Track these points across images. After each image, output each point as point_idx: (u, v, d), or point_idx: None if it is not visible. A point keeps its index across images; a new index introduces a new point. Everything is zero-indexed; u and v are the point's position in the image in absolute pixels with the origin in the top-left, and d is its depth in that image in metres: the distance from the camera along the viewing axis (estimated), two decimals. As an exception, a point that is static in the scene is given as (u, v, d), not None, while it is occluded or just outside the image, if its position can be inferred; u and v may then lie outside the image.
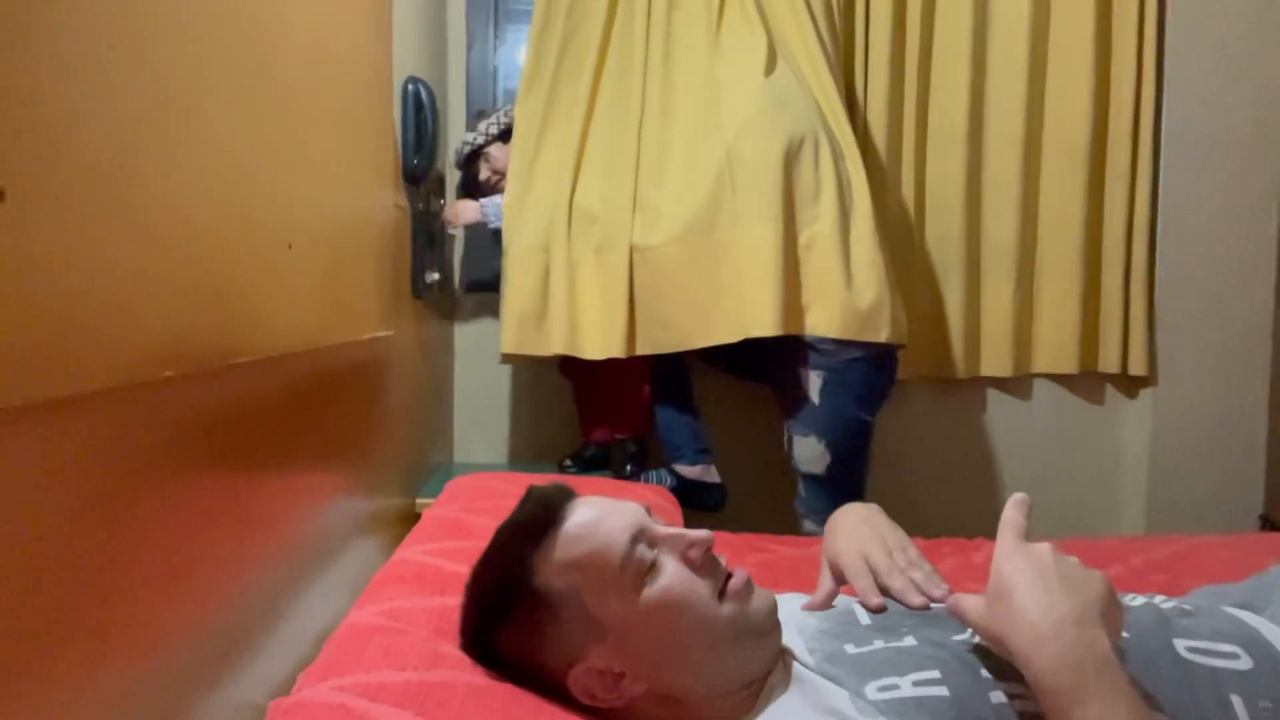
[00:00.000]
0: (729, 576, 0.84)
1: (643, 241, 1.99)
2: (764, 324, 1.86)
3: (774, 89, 1.97)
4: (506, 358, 2.16)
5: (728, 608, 0.82)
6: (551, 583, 0.81)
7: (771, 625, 0.85)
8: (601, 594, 0.80)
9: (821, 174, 1.92)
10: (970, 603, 0.77)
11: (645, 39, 2.08)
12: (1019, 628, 0.71)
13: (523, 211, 2.09)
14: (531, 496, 0.88)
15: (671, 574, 0.81)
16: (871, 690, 0.79)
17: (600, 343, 2.03)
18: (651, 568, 0.81)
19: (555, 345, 2.05)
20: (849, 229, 1.93)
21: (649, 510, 0.88)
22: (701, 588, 0.82)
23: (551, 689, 0.82)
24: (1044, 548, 0.76)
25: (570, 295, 2.04)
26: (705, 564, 0.84)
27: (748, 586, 0.84)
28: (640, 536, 0.82)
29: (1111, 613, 0.72)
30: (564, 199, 2.06)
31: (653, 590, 0.80)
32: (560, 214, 2.06)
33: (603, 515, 0.84)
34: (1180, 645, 0.83)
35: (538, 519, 0.84)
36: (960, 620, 0.79)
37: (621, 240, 2.00)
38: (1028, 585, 0.72)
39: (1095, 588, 0.73)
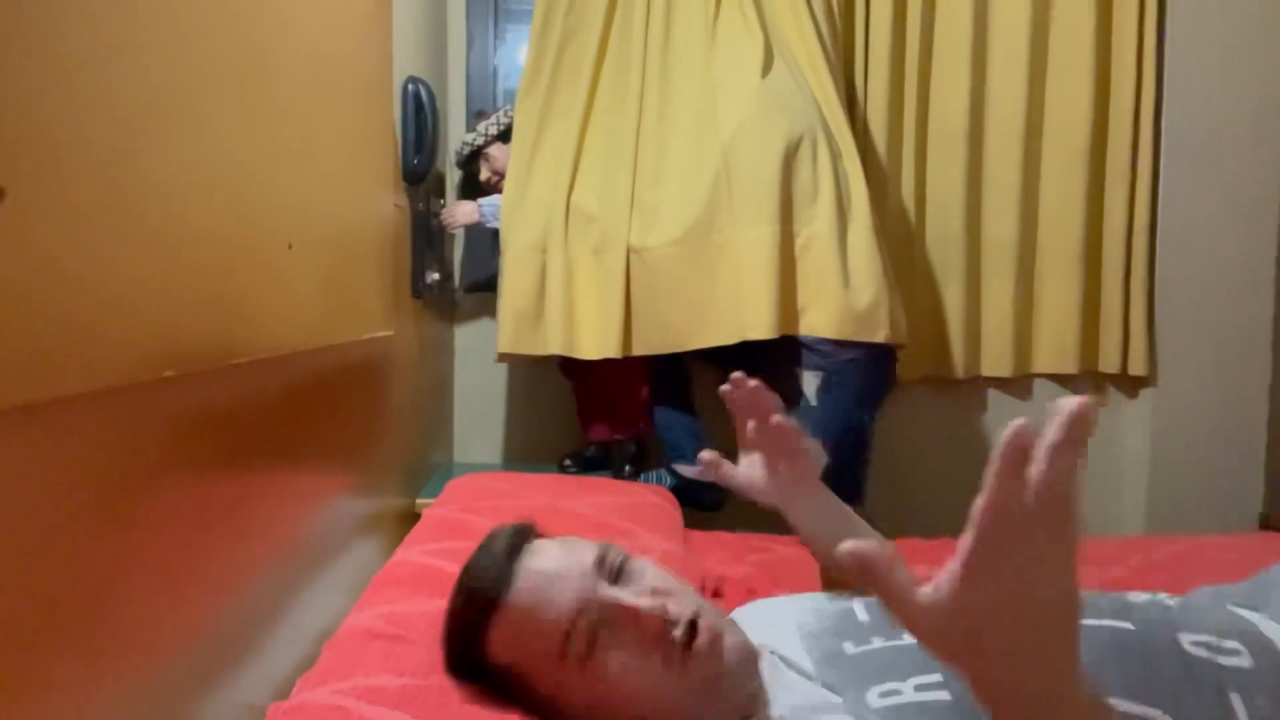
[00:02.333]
0: (693, 634, 0.77)
1: (640, 242, 1.99)
2: (761, 326, 1.86)
3: (771, 91, 1.97)
4: (503, 357, 2.16)
5: (694, 673, 0.76)
6: (500, 657, 0.79)
7: (742, 666, 0.80)
8: (546, 675, 0.78)
9: (819, 174, 1.92)
10: (903, 583, 0.50)
11: (644, 38, 2.08)
12: (985, 681, 0.51)
13: (520, 211, 2.09)
14: (472, 567, 0.83)
15: (621, 663, 0.76)
16: (873, 697, 0.78)
17: (597, 343, 2.03)
18: (593, 647, 0.76)
19: (552, 345, 2.05)
20: (846, 229, 1.92)
21: (607, 553, 0.82)
22: (655, 667, 0.76)
23: None
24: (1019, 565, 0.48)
25: (567, 295, 2.04)
26: (660, 634, 0.76)
27: (715, 640, 0.77)
28: (585, 610, 0.77)
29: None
30: (561, 199, 2.06)
31: (604, 677, 0.76)
32: (557, 214, 2.06)
33: (545, 582, 0.78)
34: (1185, 639, 0.82)
35: (480, 594, 0.80)
36: (880, 591, 0.51)
37: (619, 240, 2.00)
38: (1003, 638, 0.50)
39: (1066, 623, 0.51)
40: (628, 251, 2.00)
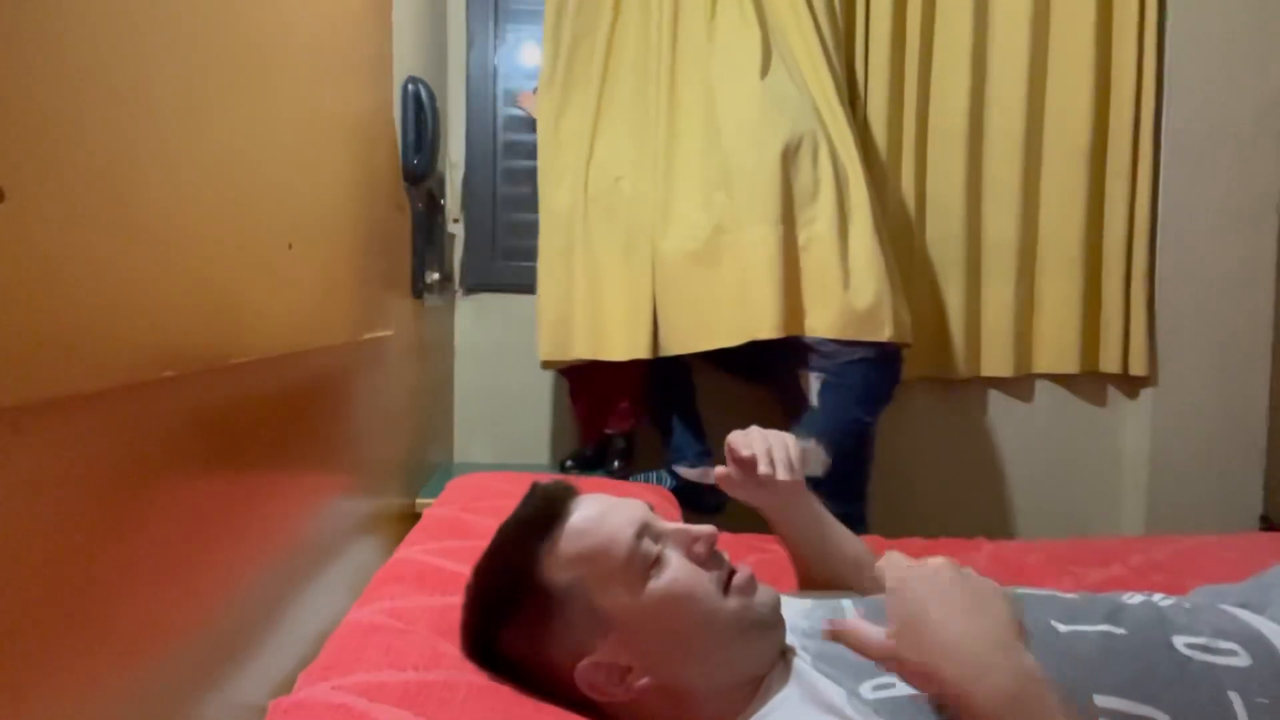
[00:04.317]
0: (733, 572, 0.85)
1: (658, 241, 2.00)
2: (767, 326, 1.87)
3: (770, 91, 1.97)
4: (546, 364, 2.16)
5: (732, 602, 0.83)
6: (557, 577, 0.81)
7: (775, 620, 0.86)
8: (607, 587, 0.81)
9: (819, 174, 1.92)
10: (871, 632, 0.70)
11: (657, 38, 2.08)
12: (945, 660, 0.65)
13: (551, 211, 2.09)
14: (535, 492, 0.88)
15: (676, 568, 0.82)
16: (867, 690, 0.79)
17: (625, 343, 2.02)
18: (656, 562, 0.82)
19: (579, 348, 2.04)
20: (847, 228, 1.92)
21: (651, 508, 0.88)
22: (706, 581, 0.83)
23: (555, 687, 0.82)
24: (940, 563, 0.71)
25: (594, 297, 2.03)
26: (710, 559, 0.85)
27: (751, 582, 0.85)
28: (645, 531, 0.83)
29: (1018, 622, 0.68)
30: (581, 201, 2.06)
31: (658, 584, 0.81)
32: (579, 215, 2.06)
33: (607, 510, 0.85)
34: (1179, 642, 0.83)
35: (542, 514, 0.85)
36: (858, 650, 0.71)
37: (644, 240, 2.00)
38: (940, 611, 0.67)
39: (999, 602, 0.68)
40: (654, 250, 2.00)
